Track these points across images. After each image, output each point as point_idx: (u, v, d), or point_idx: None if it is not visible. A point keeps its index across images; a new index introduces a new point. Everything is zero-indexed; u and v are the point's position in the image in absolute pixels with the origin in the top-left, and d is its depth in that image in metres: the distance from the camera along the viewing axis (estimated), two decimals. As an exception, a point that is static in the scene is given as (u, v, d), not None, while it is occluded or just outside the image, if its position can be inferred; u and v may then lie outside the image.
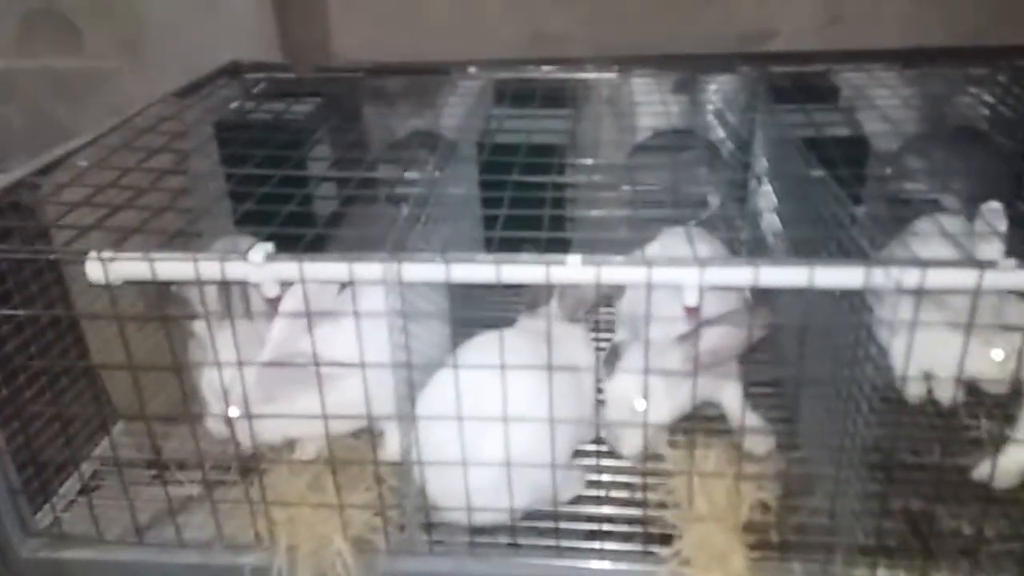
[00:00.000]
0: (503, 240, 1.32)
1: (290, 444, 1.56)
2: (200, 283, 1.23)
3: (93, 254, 1.24)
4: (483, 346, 1.40)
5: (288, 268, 1.19)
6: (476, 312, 1.78)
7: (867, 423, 1.23)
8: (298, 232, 1.29)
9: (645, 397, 1.34)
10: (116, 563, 1.43)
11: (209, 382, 1.60)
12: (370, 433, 1.50)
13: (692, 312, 1.25)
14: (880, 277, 1.11)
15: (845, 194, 1.37)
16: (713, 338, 1.38)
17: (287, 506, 1.38)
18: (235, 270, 1.19)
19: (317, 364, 1.30)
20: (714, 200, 2.27)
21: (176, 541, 1.40)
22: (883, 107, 2.00)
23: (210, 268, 1.19)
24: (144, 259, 1.22)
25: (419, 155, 2.29)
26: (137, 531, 1.40)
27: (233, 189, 1.67)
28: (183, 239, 1.42)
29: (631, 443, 1.41)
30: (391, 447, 1.54)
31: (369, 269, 1.19)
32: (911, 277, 1.09)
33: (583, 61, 2.24)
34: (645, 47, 2.32)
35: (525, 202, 1.44)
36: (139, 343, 1.36)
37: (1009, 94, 2.08)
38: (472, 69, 2.22)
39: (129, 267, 1.23)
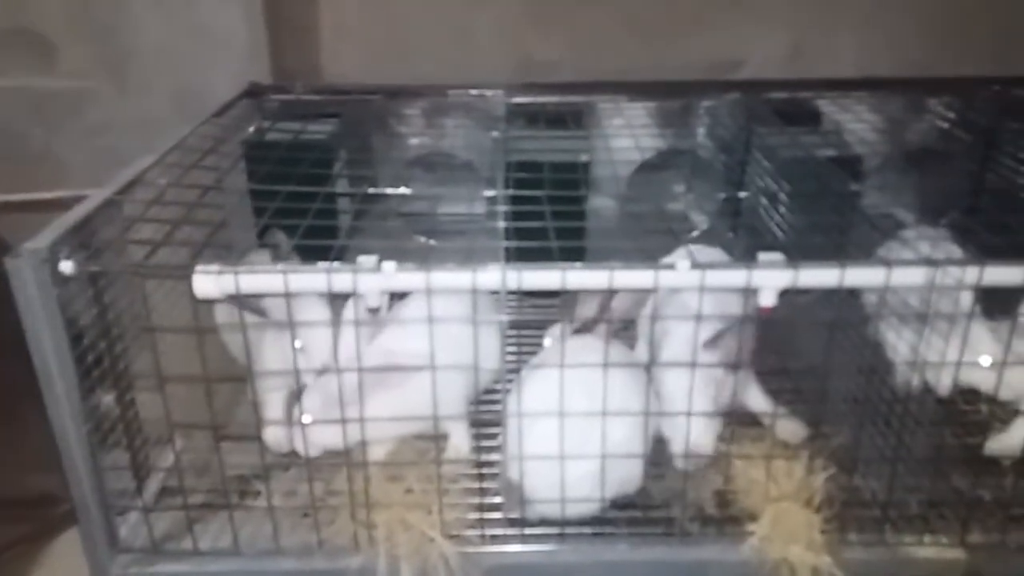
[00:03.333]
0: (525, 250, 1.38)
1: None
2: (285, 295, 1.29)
3: (201, 268, 1.28)
4: (571, 350, 1.48)
5: (415, 279, 1.26)
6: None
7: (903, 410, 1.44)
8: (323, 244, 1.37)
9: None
10: (213, 574, 1.44)
11: (269, 392, 1.65)
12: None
13: (767, 312, 1.39)
14: (941, 276, 1.28)
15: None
16: (740, 340, 1.51)
17: (384, 508, 1.44)
18: (365, 282, 1.25)
19: (434, 367, 1.37)
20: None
21: (274, 549, 1.43)
22: (857, 130, 2.23)
23: (341, 280, 1.25)
24: (269, 272, 1.26)
25: (432, 175, 2.39)
26: (234, 540, 1.42)
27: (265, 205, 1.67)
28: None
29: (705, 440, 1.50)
30: (459, 447, 1.63)
31: (489, 277, 1.27)
32: (972, 275, 1.27)
33: (583, 86, 2.39)
34: (628, 73, 2.49)
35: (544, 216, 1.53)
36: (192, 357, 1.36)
37: (962, 118, 2.33)
38: (484, 92, 2.33)
39: (247, 280, 1.27)
